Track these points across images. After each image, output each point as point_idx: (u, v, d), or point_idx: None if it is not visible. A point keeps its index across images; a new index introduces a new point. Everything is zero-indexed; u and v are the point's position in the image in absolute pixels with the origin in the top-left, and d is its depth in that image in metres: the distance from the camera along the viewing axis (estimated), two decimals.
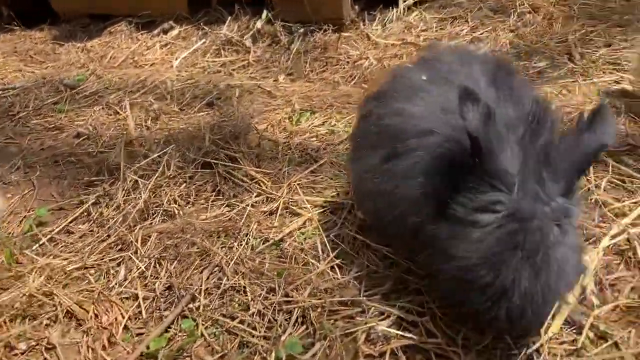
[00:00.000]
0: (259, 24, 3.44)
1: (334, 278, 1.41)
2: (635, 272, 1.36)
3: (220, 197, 1.77)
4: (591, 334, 1.22)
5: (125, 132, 2.18)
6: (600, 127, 1.10)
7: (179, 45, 3.61)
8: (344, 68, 2.86)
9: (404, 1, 3.39)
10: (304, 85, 2.77)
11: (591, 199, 1.60)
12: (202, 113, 2.34)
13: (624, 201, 1.58)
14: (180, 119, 2.27)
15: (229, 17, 3.58)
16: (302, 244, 1.55)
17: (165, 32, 3.75)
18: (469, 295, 1.09)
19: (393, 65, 2.96)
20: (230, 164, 1.87)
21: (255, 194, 1.77)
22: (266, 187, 1.78)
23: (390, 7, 3.41)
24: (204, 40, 3.56)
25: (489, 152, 1.08)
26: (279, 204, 1.71)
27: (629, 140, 1.85)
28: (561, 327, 1.23)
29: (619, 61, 2.62)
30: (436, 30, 3.12)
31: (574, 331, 1.23)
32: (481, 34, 3.02)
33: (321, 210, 1.68)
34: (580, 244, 1.16)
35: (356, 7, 3.47)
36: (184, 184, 1.81)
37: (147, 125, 2.23)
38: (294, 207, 1.70)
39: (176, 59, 3.45)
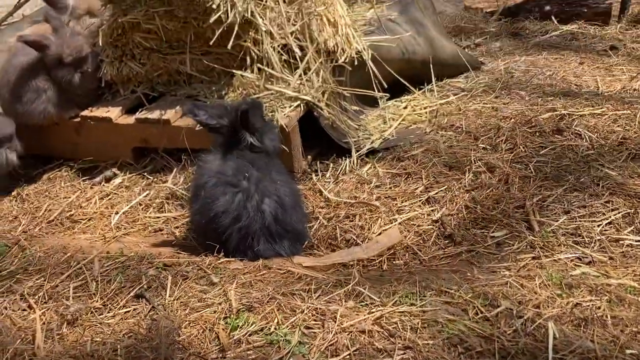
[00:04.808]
0: None
1: None
2: None
3: None
4: None
5: (32, 346, 1.88)
6: None
7: (121, 196, 3.39)
8: None
9: (357, 152, 3.29)
10: (242, 263, 2.52)
11: None
12: (129, 309, 2.08)
13: None
14: (102, 323, 1.99)
15: (176, 168, 3.39)
16: None
17: (107, 180, 3.53)
18: None
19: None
20: None
21: None
22: None
23: (343, 157, 3.30)
24: (147, 192, 3.35)
25: None
26: None
27: None
28: None
29: (579, 231, 2.50)
30: (390, 188, 2.99)
31: None
32: (436, 193, 2.90)
33: None
34: None
35: (308, 157, 3.34)
36: None
37: (61, 333, 1.94)
38: None
39: (116, 213, 3.22)
